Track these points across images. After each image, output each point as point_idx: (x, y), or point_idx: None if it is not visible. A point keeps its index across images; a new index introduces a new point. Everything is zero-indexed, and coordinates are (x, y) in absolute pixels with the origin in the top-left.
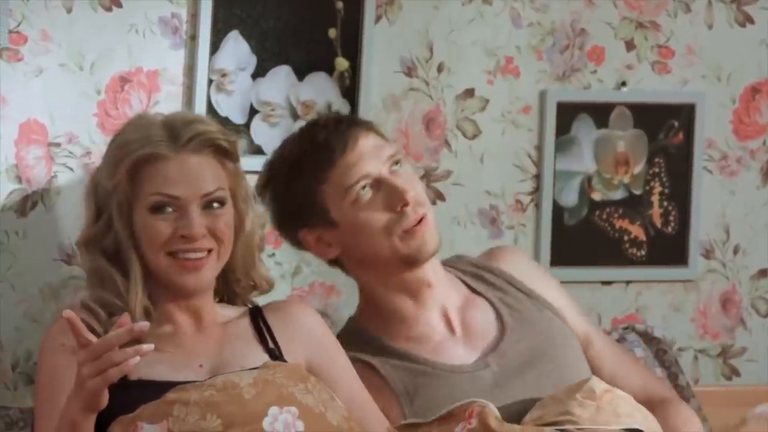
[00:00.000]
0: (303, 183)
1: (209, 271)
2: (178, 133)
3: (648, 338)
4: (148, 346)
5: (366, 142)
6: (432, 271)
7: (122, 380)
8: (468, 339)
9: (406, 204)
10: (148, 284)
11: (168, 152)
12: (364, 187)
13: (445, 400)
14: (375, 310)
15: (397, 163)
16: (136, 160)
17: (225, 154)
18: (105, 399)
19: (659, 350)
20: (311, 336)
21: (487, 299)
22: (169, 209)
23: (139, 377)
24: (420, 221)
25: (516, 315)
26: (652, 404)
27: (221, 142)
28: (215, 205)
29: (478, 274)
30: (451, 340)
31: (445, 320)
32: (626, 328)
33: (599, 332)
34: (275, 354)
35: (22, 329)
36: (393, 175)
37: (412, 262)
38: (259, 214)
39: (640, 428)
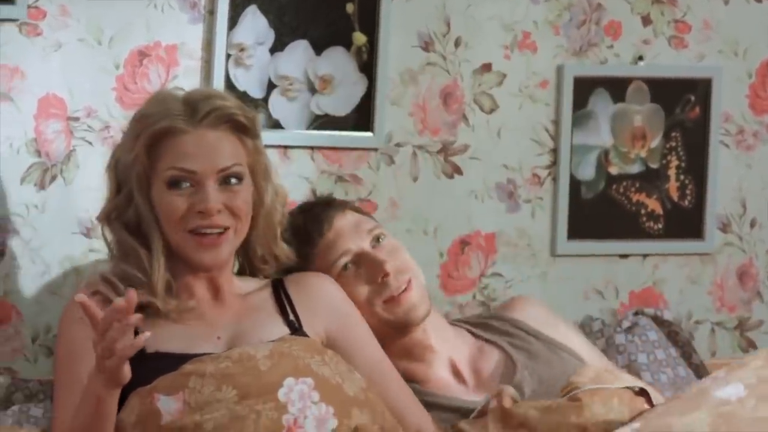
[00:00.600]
0: (300, 260)
1: (226, 248)
2: (196, 107)
3: (659, 321)
4: (137, 317)
5: (342, 221)
6: (432, 332)
7: (140, 353)
8: (480, 386)
9: (386, 275)
10: (169, 258)
11: (185, 126)
12: (345, 265)
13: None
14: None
15: (377, 238)
16: (153, 133)
17: (243, 130)
18: (127, 374)
19: (671, 332)
20: (331, 307)
21: (494, 344)
22: (186, 184)
23: (157, 350)
24: (405, 289)
25: (524, 353)
26: None
27: (239, 117)
28: (232, 180)
29: (484, 323)
30: (463, 390)
31: (456, 375)
32: (636, 313)
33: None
34: (295, 326)
35: (42, 302)
36: (375, 249)
37: (402, 327)
38: (279, 191)
39: (644, 387)
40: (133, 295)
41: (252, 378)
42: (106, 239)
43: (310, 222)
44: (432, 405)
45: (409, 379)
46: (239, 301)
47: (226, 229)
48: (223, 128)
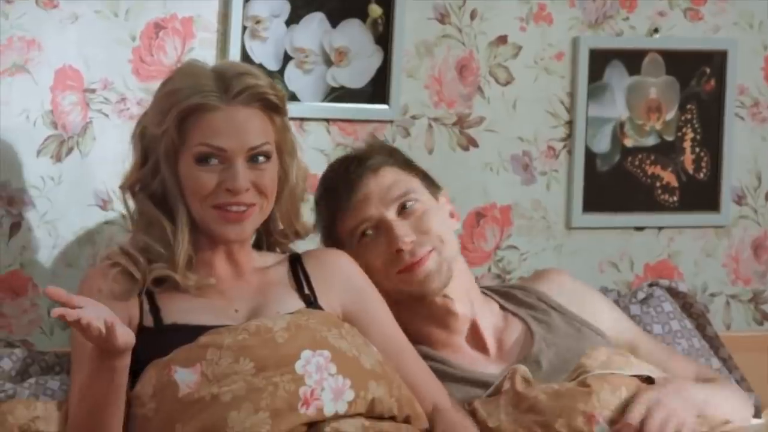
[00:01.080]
0: (325, 219)
1: (251, 224)
2: (228, 84)
3: (674, 293)
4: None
5: (372, 185)
6: (457, 298)
7: (157, 324)
8: (501, 356)
9: (399, 250)
10: (191, 232)
11: (217, 103)
12: (365, 231)
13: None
14: (411, 330)
15: (404, 205)
16: (184, 108)
17: (273, 108)
18: (118, 342)
19: (686, 303)
20: (348, 283)
21: (516, 315)
22: (215, 161)
23: (174, 321)
24: (420, 261)
25: (544, 326)
26: None
27: (270, 96)
28: (261, 158)
29: (510, 293)
30: (484, 359)
31: (478, 342)
32: (651, 285)
33: (645, 336)
34: (310, 300)
35: (58, 274)
36: (400, 216)
37: (420, 297)
38: (301, 167)
39: (650, 375)
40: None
41: (269, 350)
42: (128, 209)
43: (342, 182)
44: (450, 376)
45: (429, 343)
46: (257, 276)
47: (252, 205)
48: (254, 106)
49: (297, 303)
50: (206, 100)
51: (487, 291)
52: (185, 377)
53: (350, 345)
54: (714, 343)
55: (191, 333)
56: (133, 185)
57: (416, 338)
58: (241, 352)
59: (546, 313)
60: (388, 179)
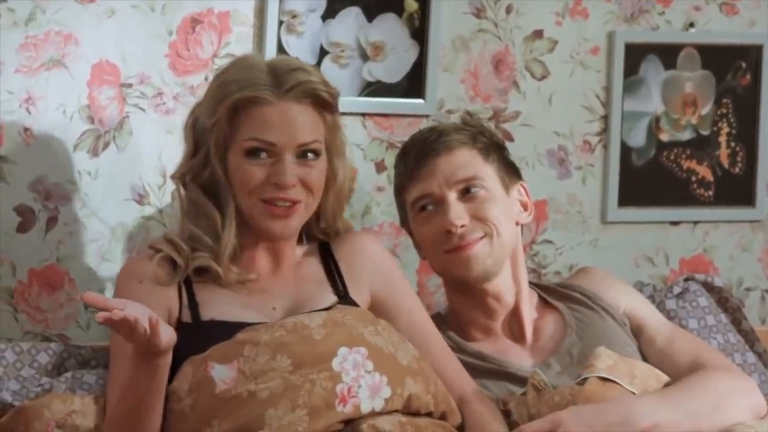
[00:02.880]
0: (396, 180)
1: (296, 220)
2: (281, 79)
3: (709, 287)
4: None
5: (443, 162)
6: (505, 289)
7: (195, 321)
8: (536, 346)
9: (449, 233)
10: (237, 225)
11: (269, 97)
12: (425, 206)
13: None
14: (454, 310)
15: (468, 189)
16: (236, 101)
17: (325, 106)
18: (161, 341)
19: (721, 298)
20: (376, 269)
21: (553, 307)
22: (264, 155)
23: (212, 318)
24: (466, 245)
25: (579, 322)
26: None
27: (323, 93)
28: (310, 155)
29: (549, 287)
30: (519, 348)
31: (517, 329)
32: (687, 279)
33: (676, 328)
34: (341, 293)
35: (94, 268)
36: (462, 199)
37: (461, 280)
38: (349, 167)
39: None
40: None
41: (306, 347)
42: (180, 198)
43: (417, 150)
44: (484, 371)
45: (467, 327)
46: (293, 270)
47: (298, 202)
48: (306, 102)
49: (330, 298)
50: (258, 94)
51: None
52: (222, 374)
53: (386, 341)
54: (749, 338)
55: (229, 330)
56: (184, 175)
57: (455, 319)
58: (278, 349)
59: (582, 304)
60: (460, 160)
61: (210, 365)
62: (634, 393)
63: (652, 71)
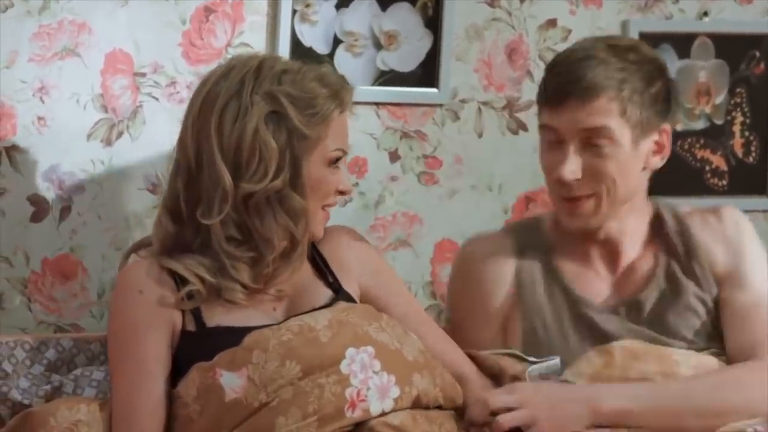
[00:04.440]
0: (538, 95)
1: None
2: (347, 89)
3: None
4: None
5: (575, 104)
6: (607, 228)
7: (200, 328)
8: (620, 283)
9: (560, 182)
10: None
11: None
12: (549, 139)
13: (556, 335)
14: (555, 219)
15: (589, 139)
16: (333, 112)
17: None
18: None
19: None
20: (362, 262)
21: (656, 257)
22: (338, 163)
23: (217, 324)
24: (575, 199)
25: (667, 289)
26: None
27: None
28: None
29: (666, 224)
30: (604, 278)
31: (612, 259)
32: None
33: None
34: (336, 288)
35: (108, 258)
36: (585, 148)
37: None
38: None
39: None
40: None
41: (314, 350)
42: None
43: (560, 76)
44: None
45: (565, 237)
46: None
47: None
48: None
49: (326, 292)
50: (345, 107)
51: (654, 210)
52: (231, 381)
53: (391, 337)
54: None
55: (236, 335)
56: (266, 191)
57: (552, 224)
58: (287, 355)
59: (682, 268)
60: (596, 108)
61: (218, 372)
62: None
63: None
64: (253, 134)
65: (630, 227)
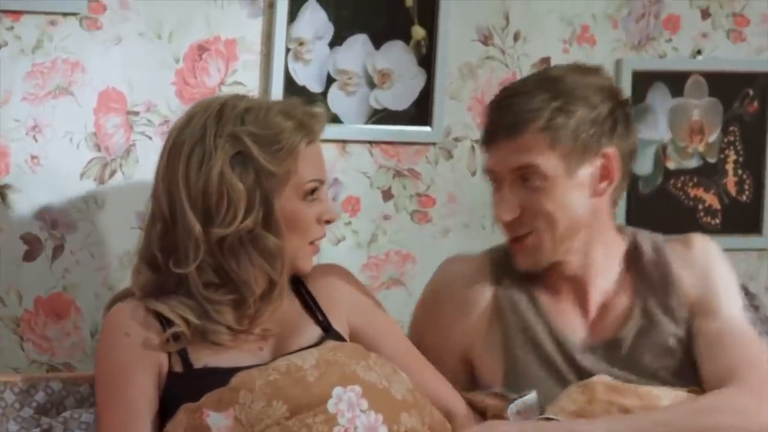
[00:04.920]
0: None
1: None
2: (318, 117)
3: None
4: None
5: (504, 145)
6: (566, 262)
7: (187, 369)
8: (596, 323)
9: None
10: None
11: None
12: (491, 180)
13: (538, 366)
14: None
15: (525, 177)
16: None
17: None
18: None
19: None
20: (352, 299)
21: (632, 294)
22: (315, 194)
23: (204, 365)
24: (515, 241)
25: (645, 320)
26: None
27: None
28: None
29: (646, 269)
30: (579, 315)
31: (583, 300)
32: None
33: (740, 328)
34: (325, 326)
35: (101, 297)
36: (519, 185)
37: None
38: None
39: None
40: None
41: (301, 390)
42: (205, 258)
43: (492, 118)
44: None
45: (533, 286)
46: None
47: None
48: None
49: (314, 330)
50: (316, 137)
51: (629, 240)
52: (218, 421)
53: (379, 376)
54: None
55: (223, 376)
56: (236, 233)
57: (524, 281)
58: (274, 395)
59: (658, 302)
60: (523, 144)
61: (206, 413)
62: None
63: (660, 99)
64: (219, 178)
65: (596, 262)
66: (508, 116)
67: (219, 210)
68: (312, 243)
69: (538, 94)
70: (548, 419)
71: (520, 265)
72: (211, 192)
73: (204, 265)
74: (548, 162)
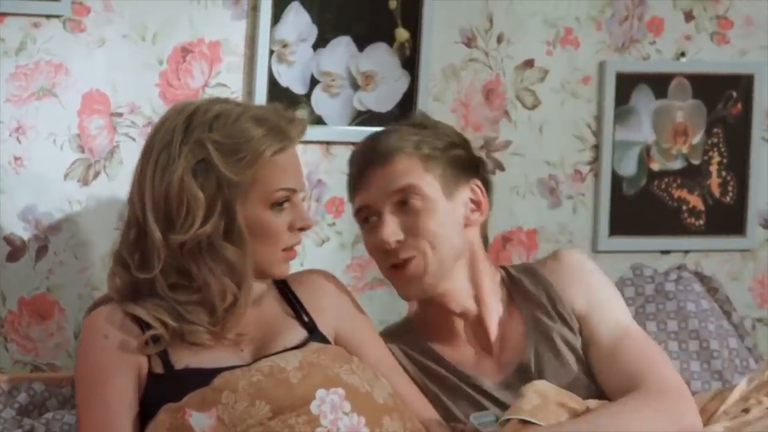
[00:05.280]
0: (347, 187)
1: None
2: (294, 123)
3: (700, 277)
4: None
5: (378, 173)
6: (455, 292)
7: (168, 370)
8: (502, 357)
9: (384, 250)
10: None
11: (290, 144)
12: (367, 217)
13: (464, 410)
14: (420, 314)
15: (405, 201)
16: (273, 152)
17: None
18: None
19: (711, 288)
20: (338, 305)
21: (521, 313)
22: (286, 204)
23: (186, 365)
24: (402, 265)
25: (538, 334)
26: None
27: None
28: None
29: (521, 283)
30: (484, 355)
31: (483, 337)
32: (679, 268)
33: (628, 335)
34: (311, 327)
35: (84, 297)
36: (400, 211)
37: (432, 309)
38: None
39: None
40: None
41: (284, 391)
42: (168, 261)
43: (359, 157)
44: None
45: (434, 328)
46: (253, 310)
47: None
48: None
49: (300, 332)
50: (287, 144)
51: (502, 272)
52: (201, 421)
53: (362, 380)
54: (739, 332)
55: (205, 376)
56: (197, 237)
57: (422, 323)
58: (257, 395)
59: (547, 313)
60: (398, 168)
61: (188, 413)
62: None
63: (643, 100)
64: (179, 185)
65: (487, 293)
66: (378, 149)
67: (179, 216)
68: (289, 249)
69: (405, 131)
70: (508, 420)
71: (405, 295)
72: (172, 198)
73: (168, 267)
74: (425, 182)
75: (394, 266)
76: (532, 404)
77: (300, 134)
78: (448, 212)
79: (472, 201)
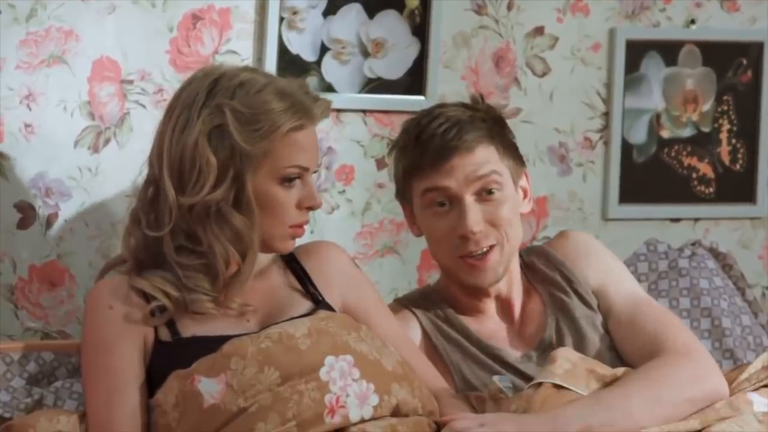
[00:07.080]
0: (401, 167)
1: None
2: (316, 102)
3: (715, 253)
4: None
5: (462, 160)
6: (499, 284)
7: (175, 338)
8: (523, 332)
9: (465, 237)
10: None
11: (309, 123)
12: (442, 203)
13: (485, 381)
14: (446, 287)
15: (489, 190)
16: (290, 129)
17: None
18: None
19: (725, 265)
20: (345, 277)
21: (538, 293)
22: (297, 181)
23: (194, 334)
24: (483, 256)
25: (557, 311)
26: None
27: None
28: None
29: (535, 266)
30: (508, 329)
31: (508, 311)
32: (694, 244)
33: (642, 304)
34: (317, 298)
35: (95, 265)
36: (480, 199)
37: (465, 286)
38: None
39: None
40: None
41: (293, 357)
42: (176, 225)
43: (432, 142)
44: (465, 352)
45: (461, 301)
46: (259, 281)
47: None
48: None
49: (306, 303)
50: (305, 122)
51: (522, 252)
52: (210, 387)
53: (371, 347)
54: (753, 308)
55: (213, 344)
56: (206, 202)
57: (447, 294)
58: (266, 361)
59: (563, 290)
60: (480, 158)
61: (197, 378)
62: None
63: (653, 68)
64: (193, 147)
65: (515, 272)
66: (460, 141)
67: (191, 178)
68: (298, 227)
69: (477, 121)
70: (540, 384)
71: (479, 282)
72: (186, 159)
73: (177, 229)
74: (504, 169)
75: (468, 256)
76: (563, 369)
77: (322, 115)
78: (516, 201)
79: (522, 190)
